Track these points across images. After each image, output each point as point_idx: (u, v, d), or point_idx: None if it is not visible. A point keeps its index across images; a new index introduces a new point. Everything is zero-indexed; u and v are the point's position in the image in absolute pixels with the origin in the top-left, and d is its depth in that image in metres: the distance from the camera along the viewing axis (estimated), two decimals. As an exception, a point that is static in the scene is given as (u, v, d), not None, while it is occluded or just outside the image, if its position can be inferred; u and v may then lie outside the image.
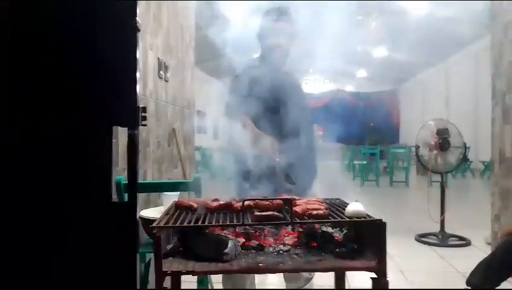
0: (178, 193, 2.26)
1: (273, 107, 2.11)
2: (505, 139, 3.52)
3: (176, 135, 3.20)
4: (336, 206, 1.50)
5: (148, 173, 2.75)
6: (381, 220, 1.25)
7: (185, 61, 3.58)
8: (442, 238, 4.22)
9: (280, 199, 1.46)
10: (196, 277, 2.28)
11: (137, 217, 2.25)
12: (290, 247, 1.39)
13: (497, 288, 2.22)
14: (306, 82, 17.62)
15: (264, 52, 2.20)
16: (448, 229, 4.33)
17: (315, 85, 17.20)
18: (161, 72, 2.93)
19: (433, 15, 8.42)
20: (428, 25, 8.69)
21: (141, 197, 2.63)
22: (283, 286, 2.26)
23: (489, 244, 3.74)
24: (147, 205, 2.67)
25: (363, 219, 1.30)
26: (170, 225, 1.29)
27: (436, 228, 4.35)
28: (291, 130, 2.10)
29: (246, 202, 1.30)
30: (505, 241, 2.25)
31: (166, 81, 3.05)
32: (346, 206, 1.42)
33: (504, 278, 2.22)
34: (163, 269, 1.25)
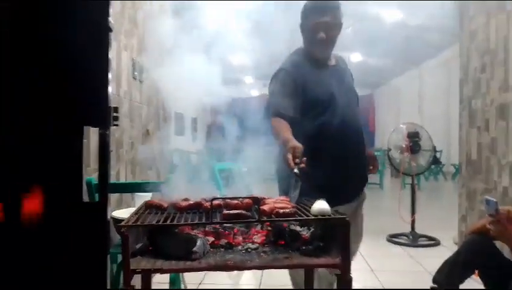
0: (151, 193, 2.26)
1: (320, 102, 1.99)
2: (471, 143, 3.65)
3: (151, 136, 3.20)
4: (304, 205, 1.54)
5: (121, 174, 2.74)
6: (344, 218, 1.30)
7: (161, 62, 3.57)
8: (413, 239, 4.33)
9: (249, 197, 1.49)
10: (169, 278, 2.29)
11: (109, 217, 2.24)
12: (258, 245, 1.42)
13: (461, 287, 2.31)
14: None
15: (306, 46, 2.10)
16: (419, 230, 4.44)
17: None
18: (135, 72, 2.92)
19: (406, 22, 8.65)
20: (402, 31, 8.92)
21: (114, 198, 2.62)
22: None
23: (456, 244, 3.86)
24: (120, 206, 2.66)
25: (328, 217, 1.34)
26: (139, 223, 1.30)
27: (407, 229, 4.46)
28: (341, 124, 1.99)
29: (215, 201, 1.33)
30: (468, 240, 2.33)
31: (140, 82, 3.05)
32: (314, 205, 1.46)
33: (468, 276, 2.30)
34: (131, 268, 1.26)
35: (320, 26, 1.98)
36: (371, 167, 2.32)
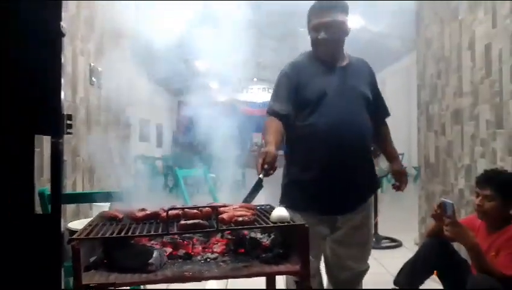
0: (109, 203, 2.19)
1: (321, 103, 1.91)
2: (429, 146, 3.77)
3: (109, 144, 3.10)
4: (264, 212, 1.53)
5: (78, 183, 2.64)
6: (303, 224, 1.29)
7: (121, 67, 3.48)
8: (376, 241, 4.40)
9: (209, 206, 1.46)
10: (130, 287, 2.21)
11: (65, 229, 2.15)
12: (217, 254, 1.40)
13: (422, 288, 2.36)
14: (250, 91, 17.82)
15: (312, 46, 2.03)
16: (382, 232, 4.53)
17: (259, 94, 17.43)
18: (93, 78, 2.83)
19: (367, 29, 8.89)
20: (364, 38, 9.15)
21: (71, 208, 2.52)
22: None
23: (417, 245, 3.96)
24: (77, 217, 2.56)
25: (286, 224, 1.33)
26: (91, 236, 1.24)
27: (370, 231, 4.54)
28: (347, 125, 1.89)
29: (172, 211, 1.29)
30: (426, 243, 2.39)
31: (99, 87, 2.95)
32: (275, 212, 1.44)
33: (427, 277, 2.36)
34: (84, 283, 1.21)
35: (322, 26, 1.93)
36: (397, 183, 2.17)
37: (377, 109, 2.12)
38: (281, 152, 1.95)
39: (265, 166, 1.63)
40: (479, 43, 2.87)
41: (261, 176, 1.62)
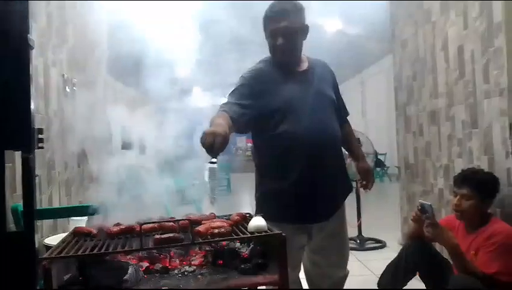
0: (86, 217, 2.15)
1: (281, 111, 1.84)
2: (408, 147, 3.81)
3: (87, 155, 3.04)
4: (242, 222, 1.51)
5: (54, 197, 2.57)
6: (280, 233, 1.28)
7: (96, 77, 3.43)
8: (360, 242, 4.43)
9: (186, 219, 1.44)
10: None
11: (41, 245, 2.10)
12: (195, 267, 1.37)
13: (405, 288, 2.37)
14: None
15: (270, 53, 1.96)
16: (367, 233, 4.55)
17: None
18: (67, 89, 2.77)
19: (345, 32, 8.98)
20: (342, 40, 9.24)
21: (48, 223, 2.45)
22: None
23: (401, 245, 3.99)
24: (55, 231, 2.50)
25: (263, 234, 1.32)
26: (62, 255, 1.21)
27: (355, 233, 4.55)
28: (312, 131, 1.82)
29: (146, 226, 1.26)
30: (407, 245, 2.41)
31: (73, 98, 2.90)
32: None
33: (410, 278, 2.37)
34: (56, 303, 1.17)
35: (278, 32, 1.86)
36: (364, 182, 2.13)
37: (339, 109, 2.08)
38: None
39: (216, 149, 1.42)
40: (452, 45, 2.92)
41: (215, 160, 1.47)
